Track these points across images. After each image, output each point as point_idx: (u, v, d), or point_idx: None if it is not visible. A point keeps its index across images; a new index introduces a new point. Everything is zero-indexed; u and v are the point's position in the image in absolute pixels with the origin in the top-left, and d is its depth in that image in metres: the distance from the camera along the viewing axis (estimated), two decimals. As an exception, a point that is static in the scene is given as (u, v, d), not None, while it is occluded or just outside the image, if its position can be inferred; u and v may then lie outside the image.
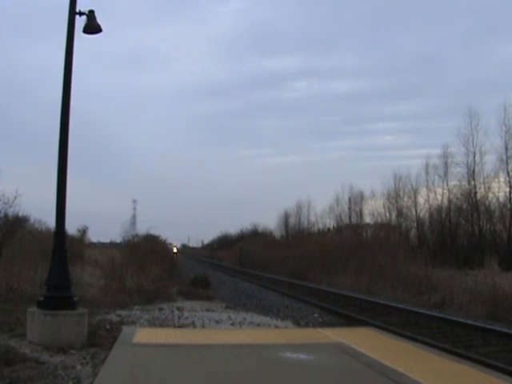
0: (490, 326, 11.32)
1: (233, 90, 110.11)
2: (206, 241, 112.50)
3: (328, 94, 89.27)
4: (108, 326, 8.25)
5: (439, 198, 37.98)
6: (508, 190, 33.75)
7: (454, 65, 73.68)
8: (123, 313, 10.55)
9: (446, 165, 37.60)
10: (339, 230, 45.98)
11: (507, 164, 34.02)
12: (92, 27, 7.54)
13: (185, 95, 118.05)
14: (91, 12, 7.47)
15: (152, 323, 9.56)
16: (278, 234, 62.49)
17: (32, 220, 23.14)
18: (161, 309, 12.01)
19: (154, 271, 20.50)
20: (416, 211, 39.94)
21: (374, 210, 44.56)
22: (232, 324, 10.23)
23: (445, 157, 37.64)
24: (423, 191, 39.53)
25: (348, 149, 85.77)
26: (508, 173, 33.90)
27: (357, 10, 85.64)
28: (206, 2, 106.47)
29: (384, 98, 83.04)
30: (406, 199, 41.11)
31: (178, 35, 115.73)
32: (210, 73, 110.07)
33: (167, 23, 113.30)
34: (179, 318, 10.65)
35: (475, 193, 35.24)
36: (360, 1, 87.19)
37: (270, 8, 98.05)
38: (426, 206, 39.18)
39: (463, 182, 36.09)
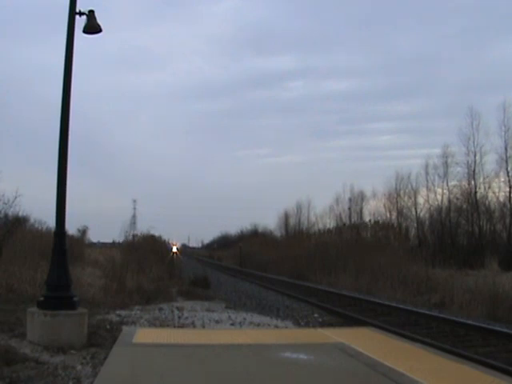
0: (490, 326, 11.32)
1: (231, 90, 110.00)
2: (206, 241, 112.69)
3: (326, 94, 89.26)
4: (108, 326, 8.26)
5: (439, 198, 38.06)
6: (508, 189, 33.85)
7: (454, 64, 73.71)
8: (123, 313, 10.56)
9: (445, 165, 37.74)
10: (339, 229, 45.99)
11: (507, 164, 34.11)
12: (92, 27, 7.54)
13: (184, 95, 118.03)
14: (91, 12, 7.47)
15: (152, 323, 9.56)
16: (278, 233, 62.55)
17: (32, 220, 23.09)
18: (161, 309, 12.02)
19: (153, 271, 20.50)
20: (416, 211, 40.01)
21: (374, 209, 44.68)
22: (232, 324, 10.24)
23: (445, 157, 37.78)
24: (423, 191, 39.63)
25: (347, 149, 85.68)
26: (508, 173, 33.99)
27: (354, 8, 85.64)
28: (204, 1, 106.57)
29: (383, 98, 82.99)
30: (406, 199, 41.18)
31: (176, 35, 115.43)
32: (209, 72, 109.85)
33: (165, 23, 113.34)
34: (179, 318, 10.66)
35: (475, 193, 35.26)
36: (357, 0, 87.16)
37: (266, 8, 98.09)
38: (426, 206, 39.27)
39: (463, 182, 36.20)
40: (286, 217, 61.91)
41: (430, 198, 38.85)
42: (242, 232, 76.99)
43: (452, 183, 37.31)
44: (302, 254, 34.53)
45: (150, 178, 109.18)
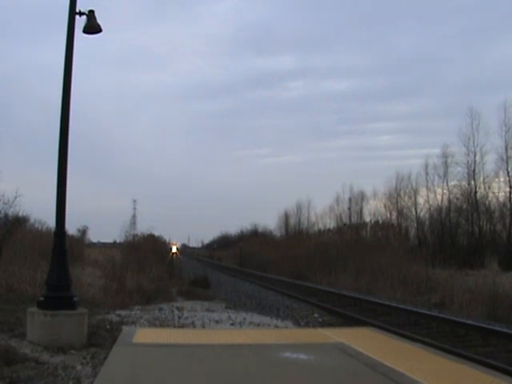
0: (490, 326, 11.32)
1: (231, 90, 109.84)
2: (206, 241, 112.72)
3: (326, 94, 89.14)
4: (108, 326, 8.26)
5: (439, 198, 38.06)
6: (508, 189, 33.83)
7: (454, 64, 73.69)
8: (123, 313, 10.56)
9: (445, 165, 37.73)
10: (339, 230, 46.00)
11: (507, 164, 34.11)
12: (92, 27, 7.54)
13: (184, 95, 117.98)
14: (91, 12, 7.47)
15: (152, 323, 9.57)
16: (278, 233, 62.55)
17: (32, 220, 23.09)
18: (161, 309, 12.02)
19: (153, 271, 20.51)
20: (416, 211, 40.01)
21: (374, 209, 44.69)
22: (232, 324, 10.24)
23: (444, 157, 37.78)
24: (423, 191, 39.64)
25: (347, 149, 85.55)
26: (508, 173, 33.98)
27: (354, 8, 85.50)
28: (204, 1, 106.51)
29: (383, 98, 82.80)
30: (406, 199, 41.19)
31: (177, 35, 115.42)
32: (209, 72, 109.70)
33: (165, 23, 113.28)
34: (179, 318, 10.66)
35: (475, 193, 35.26)
36: (357, 0, 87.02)
37: (266, 8, 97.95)
38: (426, 206, 39.27)
39: (463, 182, 36.19)
40: (286, 217, 61.99)
41: (429, 197, 38.90)
42: (242, 232, 77.13)
43: (452, 183, 37.36)
44: (302, 254, 34.53)
45: (149, 178, 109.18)
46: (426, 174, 39.10)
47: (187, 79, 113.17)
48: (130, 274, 16.90)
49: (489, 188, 34.99)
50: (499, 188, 34.58)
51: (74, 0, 7.32)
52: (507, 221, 33.52)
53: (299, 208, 58.88)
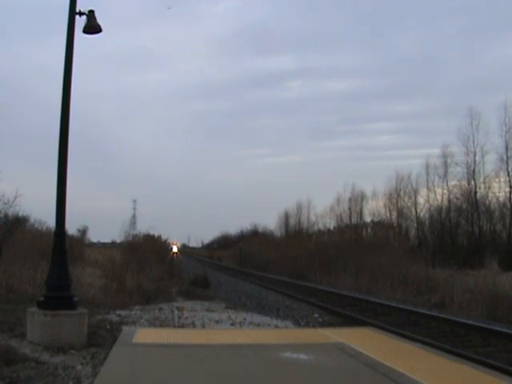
0: (490, 326, 11.33)
1: (231, 90, 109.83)
2: (206, 241, 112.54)
3: (326, 94, 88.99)
4: (108, 326, 8.26)
5: (439, 198, 38.07)
6: (508, 189, 33.83)
7: (454, 64, 73.60)
8: (123, 313, 10.56)
9: (445, 165, 37.76)
10: (339, 229, 45.99)
11: (507, 164, 34.13)
12: (92, 27, 7.54)
13: (184, 95, 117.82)
14: (91, 12, 7.47)
15: (152, 323, 9.56)
16: (278, 233, 62.53)
17: (32, 220, 23.07)
18: (161, 309, 12.02)
19: (154, 271, 20.51)
20: (416, 211, 40.02)
21: (374, 209, 44.69)
22: (232, 324, 10.24)
23: (444, 157, 37.82)
24: (423, 191, 39.66)
25: (347, 149, 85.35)
26: (508, 173, 33.98)
27: (354, 9, 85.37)
28: (204, 1, 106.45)
29: (383, 98, 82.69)
30: (406, 199, 41.21)
31: (176, 35, 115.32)
32: (209, 72, 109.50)
33: (165, 23, 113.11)
34: (179, 318, 10.66)
35: (475, 193, 35.27)
36: (357, 0, 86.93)
37: (266, 8, 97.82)
38: (426, 206, 39.29)
39: (463, 182, 36.20)
40: (286, 217, 61.98)
41: (430, 197, 38.93)
42: (242, 232, 77.17)
43: (452, 183, 37.40)
44: (302, 254, 34.53)
45: (149, 178, 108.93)
46: (427, 174, 39.19)
47: (187, 79, 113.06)
48: (130, 274, 16.90)
49: (489, 188, 35.05)
50: (499, 188, 34.64)
51: (73, 0, 7.32)
52: (507, 221, 33.53)
53: (299, 208, 58.94)
